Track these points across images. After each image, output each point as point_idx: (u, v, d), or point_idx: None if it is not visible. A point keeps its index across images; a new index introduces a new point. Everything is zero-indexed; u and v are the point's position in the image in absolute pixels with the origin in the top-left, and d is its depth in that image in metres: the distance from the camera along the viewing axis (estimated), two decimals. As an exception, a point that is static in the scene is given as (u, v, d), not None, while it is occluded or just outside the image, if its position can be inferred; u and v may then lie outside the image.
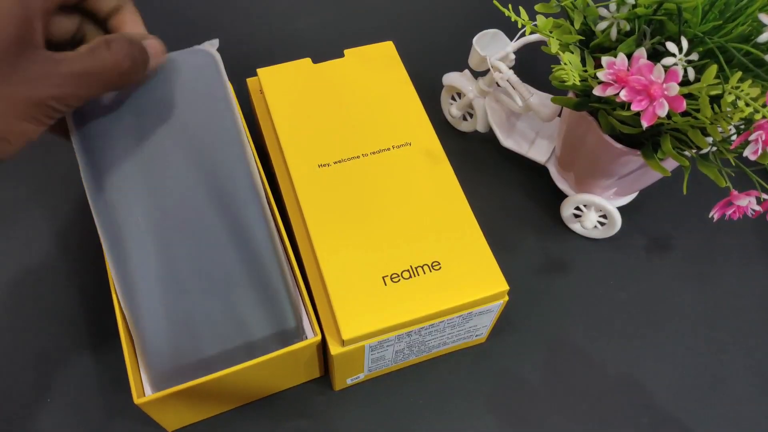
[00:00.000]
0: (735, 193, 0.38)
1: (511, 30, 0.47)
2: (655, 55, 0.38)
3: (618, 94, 0.34)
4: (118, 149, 0.36)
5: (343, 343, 0.37)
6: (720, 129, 0.35)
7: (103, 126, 0.36)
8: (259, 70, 0.47)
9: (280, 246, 0.38)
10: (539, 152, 0.52)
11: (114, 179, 0.36)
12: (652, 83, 0.33)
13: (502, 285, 0.39)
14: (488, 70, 0.48)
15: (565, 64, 0.37)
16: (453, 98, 0.55)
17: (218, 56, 0.38)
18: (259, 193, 0.38)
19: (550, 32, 0.39)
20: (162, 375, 0.36)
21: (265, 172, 0.46)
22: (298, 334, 0.39)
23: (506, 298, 0.40)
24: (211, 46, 0.39)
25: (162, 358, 0.36)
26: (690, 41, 0.36)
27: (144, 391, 0.37)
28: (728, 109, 0.33)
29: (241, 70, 0.51)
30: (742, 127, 0.37)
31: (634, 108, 0.34)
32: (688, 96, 0.35)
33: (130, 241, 0.36)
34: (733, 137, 0.37)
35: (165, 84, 0.37)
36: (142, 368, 0.37)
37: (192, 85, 0.37)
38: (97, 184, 0.36)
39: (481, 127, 0.53)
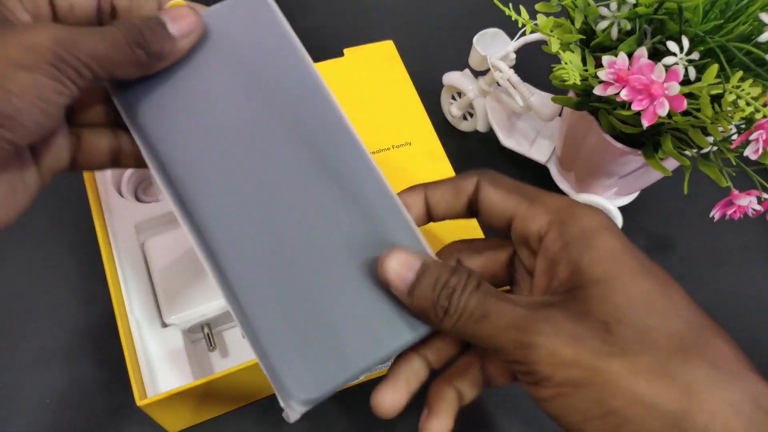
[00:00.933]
0: (736, 192, 0.38)
1: (512, 29, 0.47)
2: (656, 55, 0.38)
3: (619, 93, 0.34)
4: (179, 122, 0.29)
5: (343, 343, 0.37)
6: (721, 128, 0.35)
7: (156, 102, 0.29)
8: (259, 70, 0.47)
9: (392, 190, 0.31)
10: (540, 152, 0.52)
11: (181, 152, 0.29)
12: (652, 82, 0.33)
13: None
14: (489, 69, 0.48)
15: (566, 63, 0.37)
16: (453, 98, 0.55)
17: (272, 2, 0.32)
18: (358, 141, 0.32)
19: (551, 31, 0.39)
20: (307, 393, 0.27)
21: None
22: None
23: (507, 297, 0.40)
24: None
25: (300, 373, 0.27)
26: (691, 40, 0.36)
27: (146, 393, 0.37)
28: (729, 109, 0.33)
29: (241, 69, 0.51)
30: (743, 126, 0.37)
31: (635, 107, 0.34)
32: (689, 95, 0.35)
33: (217, 218, 0.28)
34: (734, 137, 0.37)
35: (215, 43, 0.30)
36: (278, 394, 0.27)
37: (248, 37, 0.31)
38: (162, 161, 0.29)
39: (481, 127, 0.53)
